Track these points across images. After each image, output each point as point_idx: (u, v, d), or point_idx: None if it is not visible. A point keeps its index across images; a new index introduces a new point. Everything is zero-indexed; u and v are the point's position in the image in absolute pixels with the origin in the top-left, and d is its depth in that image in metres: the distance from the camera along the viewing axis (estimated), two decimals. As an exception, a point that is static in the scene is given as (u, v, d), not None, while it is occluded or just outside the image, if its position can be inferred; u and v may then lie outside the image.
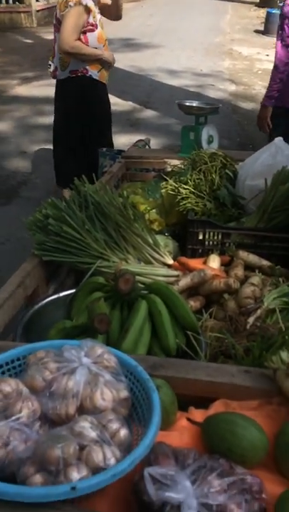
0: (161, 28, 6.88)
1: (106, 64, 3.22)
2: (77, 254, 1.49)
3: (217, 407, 0.92)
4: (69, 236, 1.45)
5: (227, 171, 2.09)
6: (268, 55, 7.35)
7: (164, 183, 2.20)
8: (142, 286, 1.45)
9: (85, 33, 3.06)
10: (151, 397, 0.84)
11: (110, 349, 0.93)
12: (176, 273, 1.64)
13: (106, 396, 0.83)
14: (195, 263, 1.77)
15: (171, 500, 0.70)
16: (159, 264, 1.70)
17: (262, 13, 11.40)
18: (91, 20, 3.05)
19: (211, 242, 1.91)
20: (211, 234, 1.90)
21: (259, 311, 1.28)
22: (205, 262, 1.78)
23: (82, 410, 0.82)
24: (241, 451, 0.79)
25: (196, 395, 0.96)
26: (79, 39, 3.05)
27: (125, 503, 0.75)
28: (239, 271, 1.68)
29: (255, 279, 1.61)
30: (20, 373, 0.92)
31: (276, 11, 10.15)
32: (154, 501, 0.70)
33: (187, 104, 2.58)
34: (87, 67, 3.16)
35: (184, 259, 1.82)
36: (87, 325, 1.21)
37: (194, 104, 2.58)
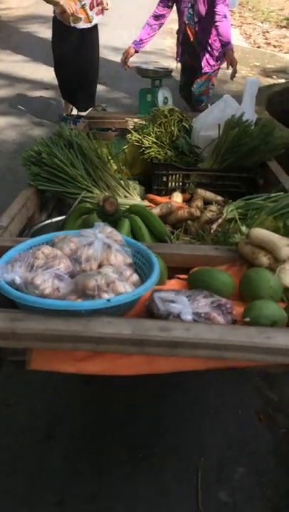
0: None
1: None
2: (65, 186, 1.76)
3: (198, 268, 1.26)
4: (59, 168, 1.71)
5: (184, 123, 2.41)
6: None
7: (128, 135, 2.48)
8: (123, 209, 1.75)
9: None
10: (151, 259, 1.16)
11: (117, 232, 1.24)
12: (147, 204, 1.95)
13: (118, 258, 1.14)
14: (162, 199, 2.10)
15: (173, 309, 1.02)
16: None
17: None
18: None
19: (173, 184, 2.23)
20: (173, 176, 2.23)
21: (220, 220, 1.62)
22: (169, 199, 2.10)
23: (101, 266, 1.12)
24: (216, 287, 1.13)
25: (180, 266, 1.28)
26: None
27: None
28: (199, 203, 2.02)
29: (213, 207, 1.95)
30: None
31: None
32: (162, 312, 1.02)
33: (144, 67, 2.87)
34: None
35: (152, 196, 2.14)
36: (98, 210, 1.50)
37: (150, 68, 2.87)
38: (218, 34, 3.21)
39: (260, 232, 1.23)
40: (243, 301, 1.15)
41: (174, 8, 3.43)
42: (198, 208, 1.98)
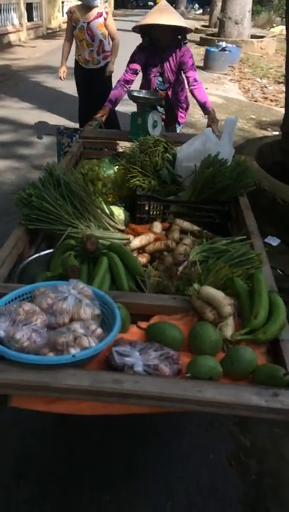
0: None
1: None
2: (53, 224, 1.99)
3: (155, 319, 1.49)
4: (47, 210, 1.94)
5: (167, 154, 2.62)
6: (207, 88, 8.18)
7: (117, 162, 2.70)
8: (103, 246, 1.98)
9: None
10: (114, 311, 1.40)
11: (87, 285, 1.47)
12: (128, 237, 2.17)
13: (87, 312, 1.37)
14: (142, 229, 2.32)
15: (127, 362, 1.26)
16: (114, 230, 2.22)
17: (202, 50, 12.39)
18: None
19: (154, 212, 2.46)
20: (155, 206, 2.45)
21: (186, 263, 1.84)
22: (150, 228, 2.33)
23: (72, 320, 1.36)
24: (166, 341, 1.36)
25: (142, 313, 1.52)
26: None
27: (100, 370, 1.31)
28: (176, 234, 2.24)
29: (187, 240, 2.17)
30: (30, 300, 1.44)
31: (214, 49, 11.31)
32: (119, 364, 1.26)
33: (135, 94, 3.05)
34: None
35: (133, 225, 2.35)
36: (63, 274, 1.73)
37: (141, 95, 3.06)
38: (195, 98, 3.47)
39: (208, 291, 1.46)
40: (191, 351, 1.39)
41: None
42: (174, 239, 2.21)
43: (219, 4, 16.15)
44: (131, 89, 3.36)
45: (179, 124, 3.93)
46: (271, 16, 22.76)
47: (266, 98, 9.24)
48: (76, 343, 1.27)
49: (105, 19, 4.76)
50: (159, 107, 3.72)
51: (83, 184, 2.21)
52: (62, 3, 18.88)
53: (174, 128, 3.91)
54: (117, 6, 31.89)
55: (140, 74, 3.60)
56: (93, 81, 4.97)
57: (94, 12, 4.70)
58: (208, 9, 20.28)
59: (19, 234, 1.89)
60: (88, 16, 4.70)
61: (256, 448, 2.08)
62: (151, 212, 2.45)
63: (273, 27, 19.57)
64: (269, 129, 7.02)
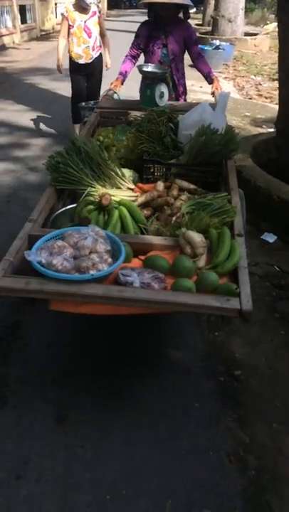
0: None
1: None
2: (76, 184, 2.56)
3: (150, 254, 2.08)
4: (71, 174, 2.51)
5: (170, 124, 3.12)
6: (201, 87, 8.23)
7: (128, 130, 3.21)
8: (115, 202, 2.54)
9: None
10: (121, 248, 1.98)
11: (102, 229, 2.06)
12: (135, 194, 2.73)
13: (101, 247, 1.97)
14: (148, 187, 2.87)
15: (128, 280, 1.86)
16: (125, 188, 2.78)
17: None
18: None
19: (158, 173, 2.99)
20: (159, 168, 2.98)
21: (178, 214, 2.40)
22: (154, 187, 2.87)
23: (91, 253, 1.95)
24: (157, 268, 1.95)
25: (141, 249, 2.10)
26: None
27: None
28: (174, 192, 2.78)
29: (183, 196, 2.72)
30: (61, 239, 2.04)
31: (208, 48, 11.43)
32: (122, 281, 1.86)
33: (144, 68, 3.53)
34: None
35: (140, 185, 2.91)
36: (80, 223, 2.32)
37: (149, 69, 3.53)
38: (200, 69, 3.92)
39: (189, 234, 2.03)
40: (174, 275, 1.98)
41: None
42: (173, 196, 2.76)
43: (212, 3, 16.05)
44: (139, 64, 3.81)
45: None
46: (265, 13, 22.80)
47: (261, 95, 9.30)
48: (94, 268, 1.87)
49: (99, 17, 5.39)
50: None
51: (99, 151, 2.76)
52: (56, 4, 18.73)
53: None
54: (110, 7, 31.22)
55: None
56: (88, 74, 5.60)
57: (89, 11, 5.31)
58: (202, 8, 19.91)
59: (50, 192, 2.48)
60: (84, 16, 5.31)
61: (255, 443, 2.13)
62: (155, 174, 2.99)
63: (267, 24, 19.25)
64: (264, 126, 7.09)
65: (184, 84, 4.15)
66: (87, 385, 2.46)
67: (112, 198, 2.52)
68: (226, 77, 10.94)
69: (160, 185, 2.89)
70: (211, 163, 2.89)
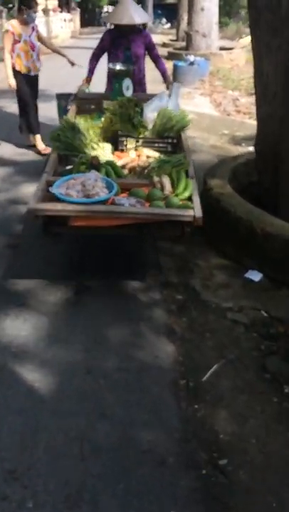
0: (72, 78, 6.44)
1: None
2: (72, 151, 3.55)
3: (133, 188, 3.11)
4: (69, 142, 3.50)
5: (137, 108, 4.16)
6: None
7: (104, 115, 4.23)
8: (101, 162, 3.54)
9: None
10: (113, 184, 3.01)
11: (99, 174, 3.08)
12: (115, 158, 3.75)
13: (100, 184, 2.98)
14: (123, 155, 3.90)
15: (121, 202, 2.88)
16: (106, 155, 3.79)
17: (170, 65, 11.67)
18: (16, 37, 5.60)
19: (130, 145, 4.02)
20: (130, 141, 4.01)
21: (149, 168, 3.44)
22: (128, 155, 3.90)
23: (94, 187, 2.96)
24: (138, 196, 2.98)
25: (126, 188, 3.13)
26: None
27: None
28: (143, 157, 3.83)
29: (151, 159, 3.77)
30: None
31: (182, 64, 11.60)
32: (117, 204, 2.88)
33: (111, 66, 4.58)
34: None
35: (117, 153, 3.93)
36: (91, 161, 3.31)
37: (117, 68, 4.57)
38: (158, 68, 5.05)
39: (162, 179, 3.09)
40: (149, 201, 3.01)
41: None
42: (143, 161, 3.80)
43: (186, 18, 16.02)
44: (108, 64, 4.85)
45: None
46: (240, 27, 22.54)
47: (239, 111, 9.05)
48: (97, 195, 2.87)
49: (37, 31, 5.80)
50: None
51: (85, 129, 3.76)
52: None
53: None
54: (83, 24, 32.32)
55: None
56: (35, 84, 5.98)
57: (30, 27, 5.66)
58: (176, 23, 19.59)
59: (54, 156, 3.47)
60: (28, 31, 5.63)
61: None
62: (127, 146, 4.02)
63: (242, 38, 19.11)
64: (243, 144, 6.85)
65: (145, 81, 5.23)
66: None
67: (100, 160, 3.53)
68: (202, 93, 10.72)
69: (132, 153, 3.92)
70: (170, 137, 3.96)
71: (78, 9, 30.21)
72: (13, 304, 3.17)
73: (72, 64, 6.03)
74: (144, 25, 4.91)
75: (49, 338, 2.88)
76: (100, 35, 5.16)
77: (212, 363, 2.72)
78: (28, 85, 5.83)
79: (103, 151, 3.82)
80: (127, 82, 4.60)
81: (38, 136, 6.15)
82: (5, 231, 4.19)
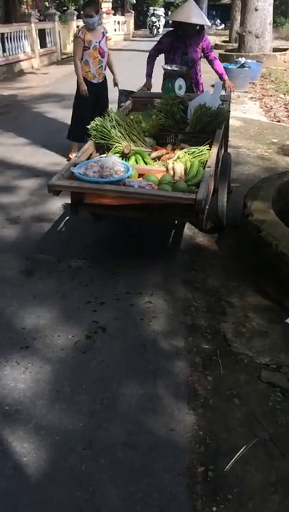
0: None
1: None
2: (108, 140, 3.91)
3: (147, 173, 3.38)
4: (105, 133, 3.87)
5: (181, 106, 4.41)
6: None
7: (153, 111, 4.55)
8: (133, 151, 3.85)
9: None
10: (129, 168, 3.31)
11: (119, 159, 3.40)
12: (150, 150, 4.04)
13: (117, 167, 3.30)
14: (161, 149, 4.17)
15: (132, 184, 3.17)
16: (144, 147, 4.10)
17: None
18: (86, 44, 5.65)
19: (170, 140, 4.28)
20: (170, 135, 4.28)
21: (174, 157, 3.68)
22: (165, 148, 4.17)
23: (112, 170, 3.28)
24: (150, 180, 3.24)
25: (143, 172, 3.41)
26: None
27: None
28: (178, 151, 4.07)
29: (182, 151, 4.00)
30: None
31: (232, 66, 11.17)
32: (128, 185, 3.17)
33: (167, 67, 4.88)
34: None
35: (156, 146, 4.21)
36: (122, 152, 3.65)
37: (169, 68, 4.87)
38: (215, 69, 5.23)
39: (175, 164, 3.33)
40: (159, 185, 3.26)
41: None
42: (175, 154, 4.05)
43: (239, 18, 15.72)
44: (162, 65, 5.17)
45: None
46: None
47: None
48: (112, 176, 3.19)
49: (107, 38, 5.77)
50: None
51: (128, 122, 4.11)
52: (78, 27, 19.19)
53: None
54: (136, 27, 31.97)
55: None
56: (99, 92, 5.91)
57: (99, 32, 5.68)
58: (229, 24, 19.55)
59: (90, 143, 3.87)
60: (97, 36, 5.65)
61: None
62: (168, 139, 4.29)
63: None
64: None
65: (202, 82, 5.44)
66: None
67: (132, 149, 3.85)
68: (252, 97, 10.33)
69: (169, 146, 4.19)
70: (206, 132, 4.16)
71: (132, 12, 29.53)
72: (17, 345, 2.84)
73: (116, 85, 5.96)
74: (203, 27, 5.14)
75: (50, 394, 2.50)
76: (154, 38, 5.48)
77: (239, 444, 2.19)
78: (90, 93, 5.78)
79: (143, 143, 4.13)
80: (180, 82, 4.88)
81: (76, 145, 6.01)
82: (22, 254, 3.88)
